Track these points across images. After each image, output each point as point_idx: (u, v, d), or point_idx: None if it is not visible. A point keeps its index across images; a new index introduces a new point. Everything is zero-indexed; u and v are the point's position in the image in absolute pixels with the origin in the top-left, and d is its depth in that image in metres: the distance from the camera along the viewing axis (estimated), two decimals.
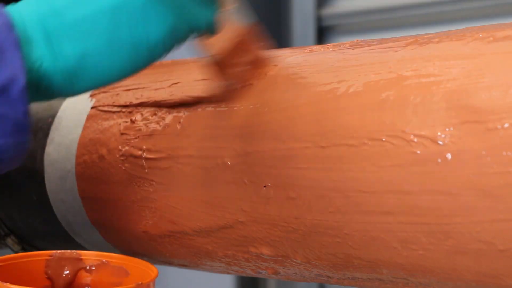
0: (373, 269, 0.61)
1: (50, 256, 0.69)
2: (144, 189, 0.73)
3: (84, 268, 0.70)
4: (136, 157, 0.73)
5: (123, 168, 0.74)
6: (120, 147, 0.75)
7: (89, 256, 0.70)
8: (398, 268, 0.60)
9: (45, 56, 0.57)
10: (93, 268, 0.69)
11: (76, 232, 0.83)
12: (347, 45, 0.67)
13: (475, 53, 0.57)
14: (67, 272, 0.69)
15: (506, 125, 0.52)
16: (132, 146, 0.74)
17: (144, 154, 0.73)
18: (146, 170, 0.72)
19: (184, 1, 0.62)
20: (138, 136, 0.74)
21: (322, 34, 1.88)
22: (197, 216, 0.70)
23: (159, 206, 0.72)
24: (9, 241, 0.90)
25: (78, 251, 0.70)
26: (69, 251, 0.70)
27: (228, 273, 0.76)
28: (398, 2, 1.76)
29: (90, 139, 0.78)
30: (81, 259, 0.70)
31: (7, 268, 0.65)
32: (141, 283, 0.61)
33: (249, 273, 0.72)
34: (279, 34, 1.93)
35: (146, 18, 0.59)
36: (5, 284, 0.60)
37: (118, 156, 0.75)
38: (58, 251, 0.70)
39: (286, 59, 0.69)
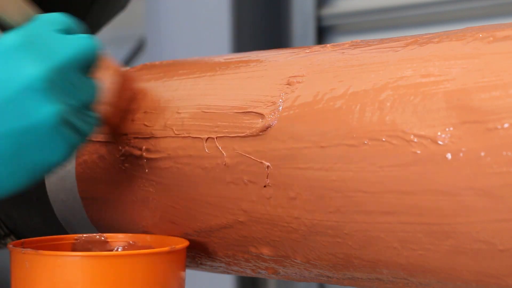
0: (373, 269, 0.61)
1: (76, 239, 0.69)
2: (144, 189, 0.73)
3: (111, 251, 0.69)
4: (136, 157, 0.73)
5: (123, 168, 0.74)
6: (120, 147, 0.75)
7: (116, 239, 0.69)
8: (398, 268, 0.60)
9: None
10: (120, 250, 0.69)
11: (76, 232, 0.83)
12: (347, 45, 0.67)
13: (475, 53, 0.57)
14: None
15: (506, 125, 0.52)
16: (132, 146, 0.74)
17: (144, 154, 0.73)
18: (146, 170, 0.72)
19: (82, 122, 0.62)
20: (138, 136, 0.74)
21: (322, 34, 1.88)
22: (197, 216, 0.70)
23: (159, 206, 0.72)
24: (9, 241, 0.90)
25: (104, 234, 0.69)
26: (94, 234, 0.70)
27: (228, 273, 0.76)
28: (398, 2, 1.76)
29: (90, 139, 0.78)
30: (107, 242, 0.69)
31: None
32: (174, 247, 0.61)
33: (249, 273, 0.72)
34: (279, 34, 1.93)
35: (50, 144, 0.59)
36: (37, 251, 0.60)
37: (118, 156, 0.75)
38: (84, 235, 0.69)
39: (287, 58, 0.69)
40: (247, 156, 0.65)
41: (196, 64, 0.76)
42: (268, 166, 0.64)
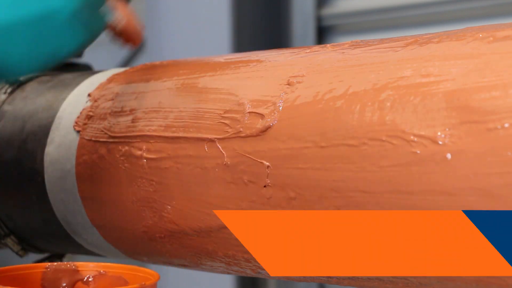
0: None
1: (46, 268, 0.68)
2: (144, 189, 0.73)
3: (82, 280, 0.69)
4: (136, 157, 0.73)
5: (123, 168, 0.74)
6: (120, 147, 0.75)
7: (86, 268, 0.69)
8: None
9: None
10: (91, 279, 0.68)
11: (76, 232, 0.83)
12: (347, 45, 0.67)
13: (475, 53, 0.57)
14: (64, 284, 0.69)
15: (506, 125, 0.52)
16: (132, 146, 0.74)
17: (144, 154, 0.73)
18: (146, 170, 0.72)
19: (93, 16, 0.67)
20: (138, 136, 0.74)
21: (322, 34, 1.88)
22: (197, 216, 0.70)
23: (159, 206, 0.72)
24: (9, 241, 0.90)
25: (75, 263, 0.69)
26: (65, 263, 0.69)
27: (228, 273, 0.76)
28: (398, 2, 1.76)
29: (90, 139, 0.78)
30: (78, 271, 0.69)
31: (2, 281, 0.64)
32: (144, 284, 0.61)
33: (249, 273, 0.72)
34: (279, 34, 1.93)
35: (70, 30, 0.64)
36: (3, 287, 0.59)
37: (118, 156, 0.75)
38: (55, 263, 0.69)
39: (287, 58, 0.69)
40: (247, 156, 0.65)
41: (196, 64, 0.76)
42: (268, 166, 0.64)
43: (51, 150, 0.82)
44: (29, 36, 0.63)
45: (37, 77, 0.94)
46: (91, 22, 0.67)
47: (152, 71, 0.79)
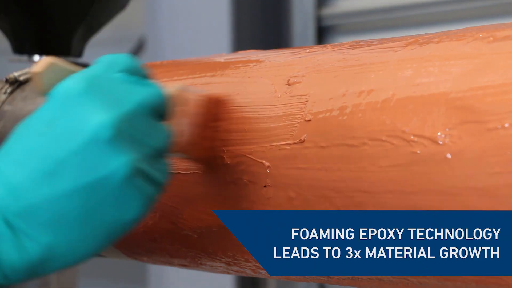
0: None
1: None
2: None
3: None
4: None
5: None
6: None
7: None
8: None
9: (8, 251, 0.51)
10: None
11: None
12: (347, 45, 0.67)
13: (475, 53, 0.57)
14: None
15: (506, 125, 0.52)
16: None
17: None
18: None
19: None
20: None
21: (322, 34, 1.88)
22: (197, 216, 0.70)
23: (159, 206, 0.72)
24: None
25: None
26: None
27: (228, 273, 0.76)
28: (398, 2, 1.76)
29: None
30: None
31: None
32: None
33: (249, 273, 0.72)
34: (279, 34, 1.93)
35: (125, 199, 0.54)
36: None
37: None
38: None
39: (287, 58, 0.69)
40: (247, 156, 0.65)
41: (196, 64, 0.76)
42: (268, 166, 0.64)
43: None
44: (77, 213, 0.52)
45: None
46: (150, 182, 0.56)
47: (152, 71, 0.78)
